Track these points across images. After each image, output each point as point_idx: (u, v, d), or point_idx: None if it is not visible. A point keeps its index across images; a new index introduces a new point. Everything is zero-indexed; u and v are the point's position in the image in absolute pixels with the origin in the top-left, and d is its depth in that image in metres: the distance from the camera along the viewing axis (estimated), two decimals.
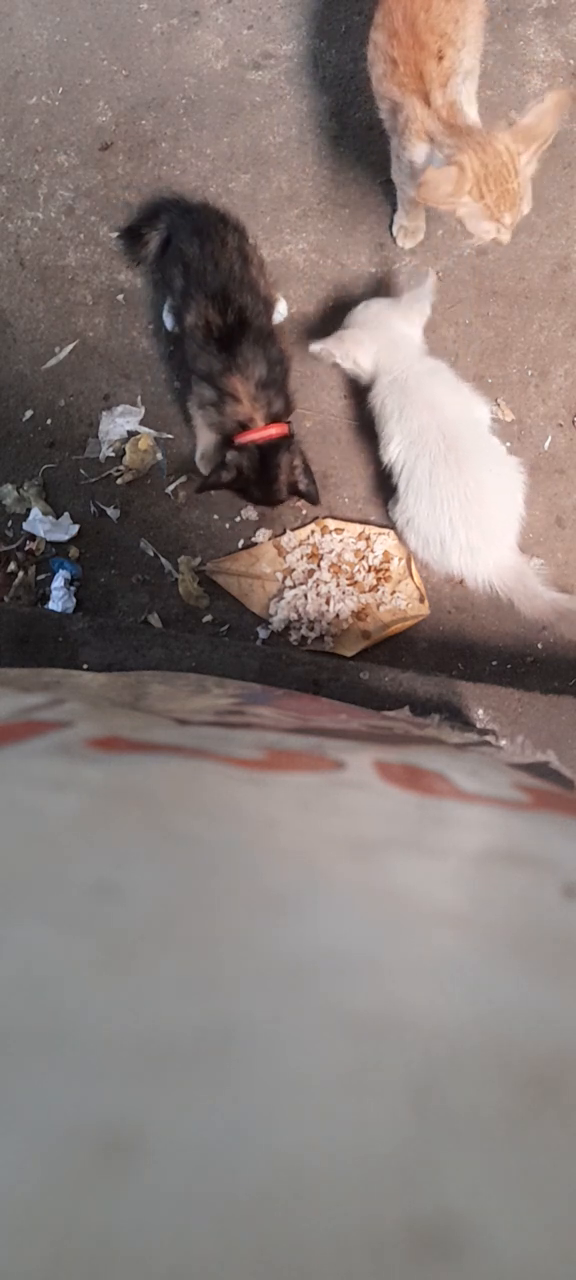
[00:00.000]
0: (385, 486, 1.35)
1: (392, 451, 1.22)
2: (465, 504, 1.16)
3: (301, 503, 1.38)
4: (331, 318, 1.43)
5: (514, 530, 1.21)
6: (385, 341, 1.22)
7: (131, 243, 1.41)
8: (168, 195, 1.43)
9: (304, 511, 1.38)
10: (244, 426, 1.21)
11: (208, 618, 1.37)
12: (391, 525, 1.34)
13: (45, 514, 1.40)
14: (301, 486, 1.24)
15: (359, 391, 1.40)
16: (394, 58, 1.07)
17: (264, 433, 1.21)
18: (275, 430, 1.21)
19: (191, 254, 1.26)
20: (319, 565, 1.34)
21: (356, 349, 1.23)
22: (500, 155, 1.00)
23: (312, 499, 1.26)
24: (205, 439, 1.30)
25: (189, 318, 1.24)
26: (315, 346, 1.25)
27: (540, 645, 1.31)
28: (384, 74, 1.09)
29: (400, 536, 1.30)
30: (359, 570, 1.34)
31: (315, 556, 1.35)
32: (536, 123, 1.01)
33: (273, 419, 1.22)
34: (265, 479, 1.22)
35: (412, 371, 1.21)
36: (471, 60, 1.12)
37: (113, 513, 1.40)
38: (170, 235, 1.33)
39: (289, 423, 1.24)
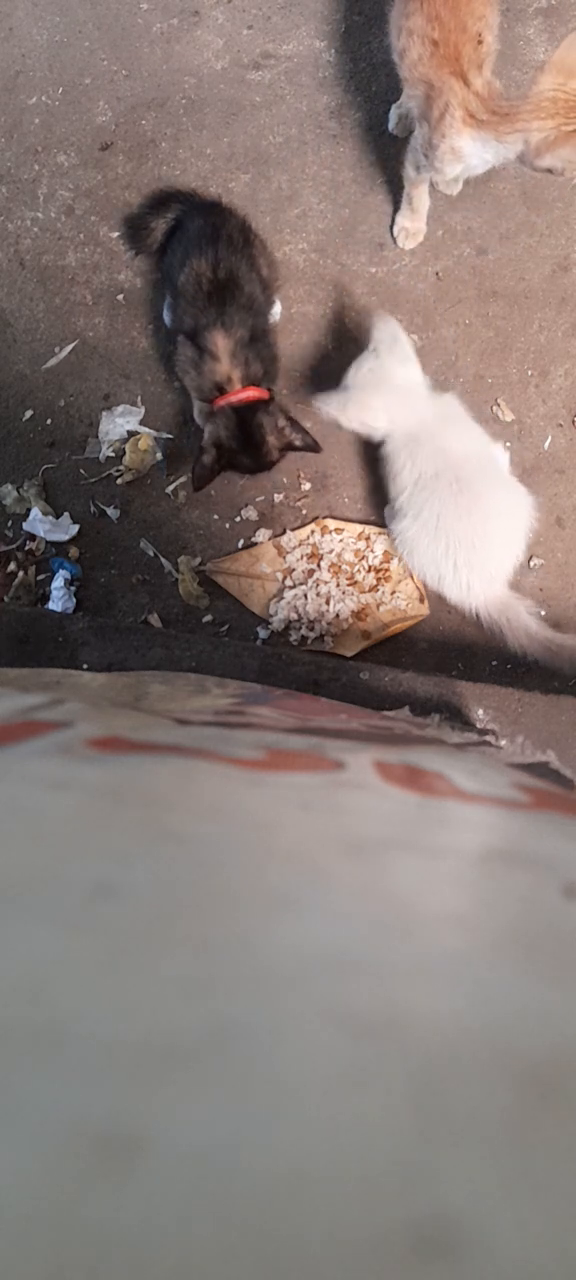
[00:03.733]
0: (385, 487, 1.35)
1: (403, 497, 1.22)
2: (471, 550, 1.17)
3: (301, 502, 1.38)
4: (331, 319, 1.43)
5: (509, 571, 1.22)
6: (392, 396, 1.20)
7: (136, 231, 1.41)
8: (180, 188, 1.43)
9: (304, 511, 1.38)
10: (221, 390, 1.19)
11: (208, 618, 1.36)
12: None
13: (45, 514, 1.40)
14: (297, 442, 1.20)
15: None
16: (435, 39, 1.07)
17: (240, 395, 1.17)
18: (252, 393, 1.18)
19: (194, 227, 1.26)
20: (319, 565, 1.34)
21: (363, 413, 1.21)
22: (557, 97, 1.00)
23: (313, 448, 1.21)
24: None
25: (182, 277, 1.22)
26: (318, 403, 1.23)
27: None
28: (421, 58, 1.10)
29: (396, 549, 1.29)
30: (359, 570, 1.34)
31: (315, 556, 1.35)
32: (567, 53, 1.00)
33: (251, 382, 1.19)
34: (251, 445, 1.18)
35: (425, 419, 1.20)
36: (494, 44, 1.13)
37: (113, 513, 1.40)
38: (177, 223, 1.33)
39: (269, 389, 1.21)
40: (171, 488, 1.41)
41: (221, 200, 1.37)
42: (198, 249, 1.22)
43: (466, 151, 1.11)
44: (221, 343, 1.18)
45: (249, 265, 1.23)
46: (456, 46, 1.07)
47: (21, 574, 1.40)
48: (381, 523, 1.36)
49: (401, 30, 1.12)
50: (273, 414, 1.18)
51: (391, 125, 1.42)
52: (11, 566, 1.41)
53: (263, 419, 1.18)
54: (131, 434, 1.41)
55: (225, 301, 1.19)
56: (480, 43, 1.08)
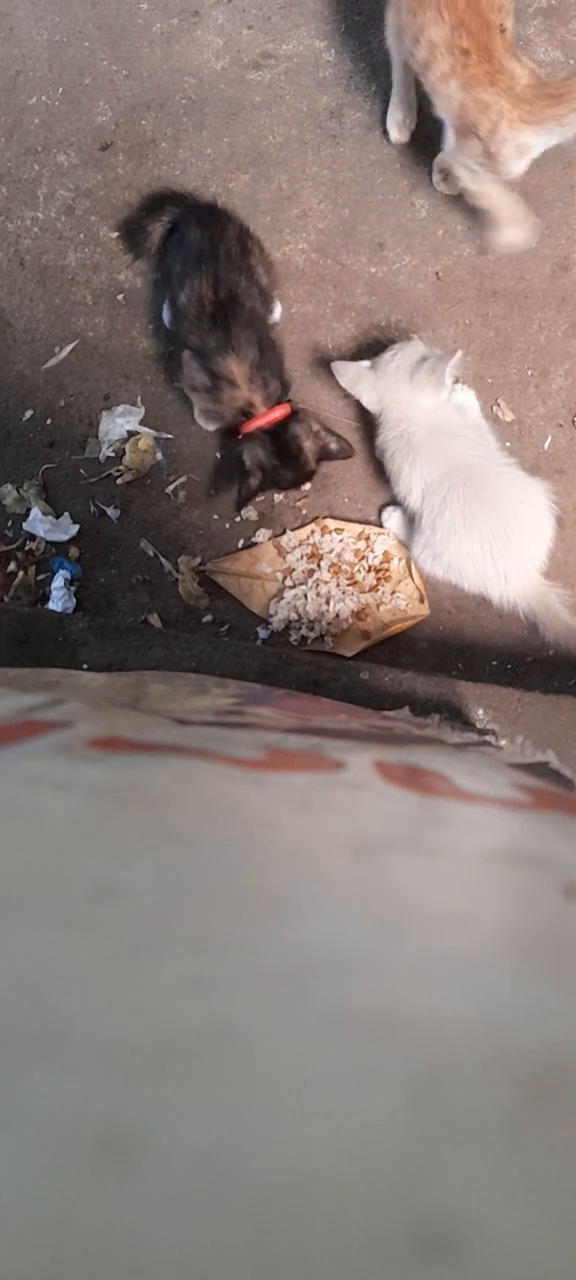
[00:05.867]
0: (385, 486, 1.35)
1: (415, 499, 1.23)
2: (505, 541, 1.17)
3: (301, 502, 1.38)
4: (331, 319, 1.43)
5: (543, 558, 1.22)
6: (391, 399, 1.23)
7: (132, 236, 1.41)
8: (175, 189, 1.43)
9: (304, 511, 1.38)
10: (246, 415, 1.21)
11: (208, 618, 1.36)
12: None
13: (45, 514, 1.40)
14: (333, 447, 1.23)
15: None
16: (465, 48, 1.01)
17: (270, 417, 1.20)
18: (280, 412, 1.21)
19: (192, 238, 1.26)
20: (319, 565, 1.34)
21: (362, 388, 1.25)
22: None
23: (347, 454, 1.25)
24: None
25: (182, 296, 1.24)
26: (334, 366, 1.28)
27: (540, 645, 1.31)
28: (452, 69, 1.03)
29: (417, 563, 1.29)
30: (359, 570, 1.34)
31: (315, 556, 1.35)
32: None
33: (273, 400, 1.21)
34: (290, 459, 1.21)
35: (416, 430, 1.21)
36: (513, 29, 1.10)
37: (113, 513, 1.40)
38: (174, 227, 1.34)
39: (290, 400, 1.24)
40: (171, 488, 1.41)
41: (216, 203, 1.37)
42: (196, 268, 1.23)
43: (532, 144, 1.08)
44: (236, 369, 1.20)
45: (248, 279, 1.24)
46: (487, 47, 1.02)
47: (21, 574, 1.40)
48: (381, 523, 1.36)
49: (419, 41, 1.07)
50: (304, 421, 1.21)
51: (392, 136, 1.41)
52: (11, 566, 1.41)
53: (296, 430, 1.20)
54: (131, 434, 1.41)
55: (229, 322, 1.20)
56: (503, 31, 1.04)
